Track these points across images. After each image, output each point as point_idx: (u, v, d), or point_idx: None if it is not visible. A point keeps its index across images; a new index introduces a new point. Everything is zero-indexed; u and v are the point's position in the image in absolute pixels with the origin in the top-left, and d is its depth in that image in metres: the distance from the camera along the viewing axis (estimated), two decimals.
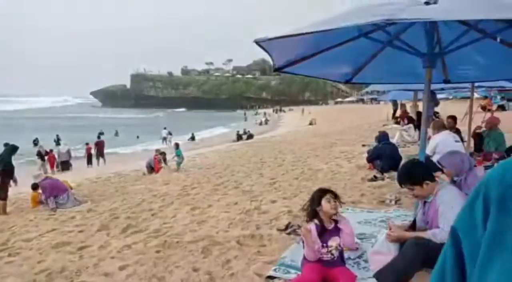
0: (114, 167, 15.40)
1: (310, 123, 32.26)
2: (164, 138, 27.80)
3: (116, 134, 34.01)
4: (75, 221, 6.18)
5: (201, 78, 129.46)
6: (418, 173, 2.65)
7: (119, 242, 4.57)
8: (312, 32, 2.96)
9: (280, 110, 70.17)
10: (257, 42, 3.13)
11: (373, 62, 4.06)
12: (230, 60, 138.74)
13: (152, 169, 12.17)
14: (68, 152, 17.26)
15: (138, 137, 33.24)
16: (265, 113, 57.33)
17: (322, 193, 2.70)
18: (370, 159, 6.76)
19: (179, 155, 12.55)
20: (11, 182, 9.13)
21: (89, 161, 18.34)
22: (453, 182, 2.97)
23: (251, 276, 3.10)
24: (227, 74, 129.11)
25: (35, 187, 8.35)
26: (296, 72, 4.11)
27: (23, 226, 6.41)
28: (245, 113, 67.65)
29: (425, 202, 2.76)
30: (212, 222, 4.79)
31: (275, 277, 3.03)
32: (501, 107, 19.51)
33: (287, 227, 4.12)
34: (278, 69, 3.90)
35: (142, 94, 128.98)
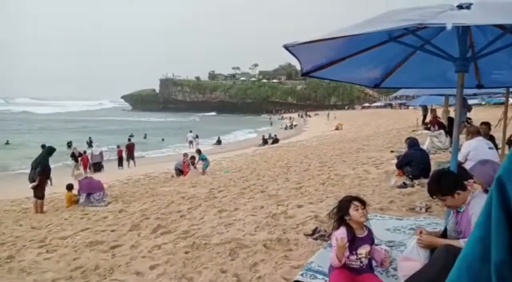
0: (143, 169, 15.84)
1: (336, 128, 31.89)
2: (191, 142, 28.26)
3: (145, 137, 34.88)
4: (108, 221, 6.42)
5: (228, 82, 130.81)
6: (448, 183, 2.59)
7: (149, 242, 4.71)
8: (341, 37, 2.98)
9: (306, 115, 69.69)
10: (286, 47, 3.18)
11: (403, 67, 4.00)
12: (256, 65, 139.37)
13: (180, 171, 12.45)
14: (101, 154, 17.93)
15: (163, 140, 34.00)
16: (290, 118, 57.17)
17: (349, 200, 2.66)
18: (400, 165, 6.63)
19: (204, 158, 12.78)
20: (48, 182, 9.58)
21: (120, 163, 18.93)
22: (486, 191, 2.88)
23: (278, 280, 3.12)
24: (253, 79, 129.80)
25: (70, 187, 8.75)
26: (324, 76, 4.12)
27: (58, 225, 6.73)
28: (270, 118, 67.67)
29: (457, 211, 2.69)
30: (239, 225, 4.85)
31: None
32: None
33: (314, 232, 4.11)
34: (306, 74, 3.91)
35: (170, 98, 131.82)
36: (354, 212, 2.59)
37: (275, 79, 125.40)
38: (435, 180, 2.71)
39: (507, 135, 6.88)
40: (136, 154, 20.11)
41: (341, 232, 2.60)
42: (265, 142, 26.31)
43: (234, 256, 3.87)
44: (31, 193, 8.56)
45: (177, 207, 6.79)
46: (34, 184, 8.08)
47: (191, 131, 30.03)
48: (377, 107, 76.52)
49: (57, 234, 5.93)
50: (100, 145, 20.16)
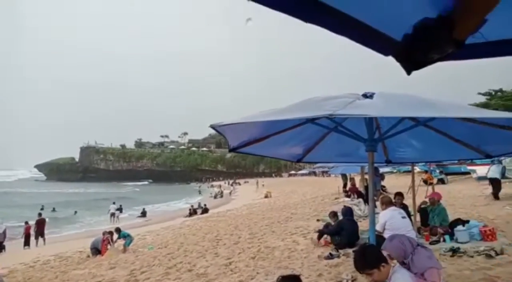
0: (55, 248, 14.04)
1: (266, 196, 32.26)
2: (113, 214, 26.14)
3: (53, 210, 31.55)
4: None
5: (155, 151, 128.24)
6: (373, 257, 2.68)
7: None
8: (264, 121, 3.20)
9: (235, 182, 70.06)
10: (213, 127, 3.31)
11: (321, 144, 4.37)
12: (185, 134, 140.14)
13: (97, 250, 11.27)
14: (4, 232, 15.52)
15: (76, 213, 31.23)
16: (220, 186, 56.88)
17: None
18: (332, 234, 6.80)
19: (125, 236, 11.87)
20: None
21: (27, 242, 16.57)
22: (403, 264, 3.06)
23: None
24: (182, 147, 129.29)
25: None
26: (250, 152, 4.28)
27: None
28: (199, 186, 66.58)
29: None
30: None
31: None
32: (441, 181, 20.95)
33: None
34: (233, 150, 4.05)
35: (91, 167, 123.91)
36: None
37: (205, 147, 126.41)
38: (361, 255, 2.79)
39: (417, 203, 7.59)
40: (46, 231, 17.92)
41: None
42: (193, 212, 25.41)
43: None
44: None
45: None
46: None
47: (114, 203, 27.97)
48: (302, 174, 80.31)
49: None
50: (3, 221, 17.65)
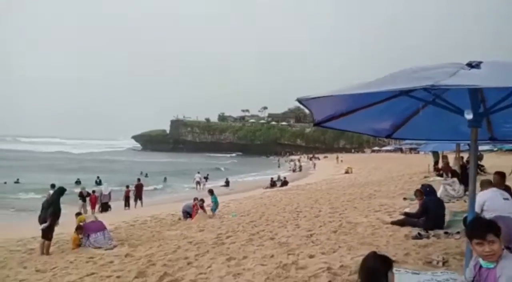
0: (150, 210, 15.73)
1: (346, 172, 31.57)
2: (198, 183, 28.16)
3: (146, 176, 34.92)
4: (113, 266, 6.28)
5: (237, 124, 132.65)
6: (496, 227, 2.33)
7: None
8: (352, 94, 3.06)
9: (314, 157, 69.51)
10: (299, 101, 3.27)
11: (415, 119, 4.06)
12: (265, 108, 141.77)
13: (188, 214, 12.31)
14: (110, 193, 17.93)
15: (165, 179, 34.01)
16: (299, 160, 57.07)
17: (388, 266, 2.34)
18: (419, 216, 6.44)
19: (214, 201, 12.67)
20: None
21: (127, 203, 18.86)
22: (508, 248, 2.73)
23: None
24: (262, 121, 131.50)
25: (77, 228, 8.69)
26: (335, 127, 4.17)
27: (63, 268, 6.60)
28: (278, 160, 67.61)
29: (480, 267, 2.53)
30: (249, 275, 4.69)
31: None
32: None
33: None
34: (318, 124, 3.98)
35: (180, 139, 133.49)
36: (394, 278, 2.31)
37: (284, 121, 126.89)
38: (483, 219, 2.52)
39: None
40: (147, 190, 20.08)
41: None
42: (273, 184, 26.09)
43: None
44: (38, 232, 8.50)
45: (184, 253, 6.65)
46: (45, 225, 8.02)
47: (198, 172, 30.06)
48: (386, 151, 76.21)
49: (62, 278, 5.81)
50: (108, 185, 20.27)
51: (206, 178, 30.14)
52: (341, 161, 50.78)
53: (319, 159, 68.86)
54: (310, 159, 63.84)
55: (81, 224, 8.74)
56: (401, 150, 66.57)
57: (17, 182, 29.68)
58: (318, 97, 3.05)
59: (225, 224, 9.96)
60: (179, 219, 12.49)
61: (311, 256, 5.25)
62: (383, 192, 12.73)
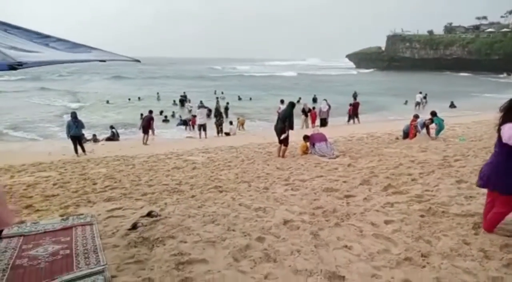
0: (366, 128, 16.05)
1: None
2: (418, 103, 26.22)
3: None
4: (338, 172, 6.99)
5: (468, 36, 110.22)
6: None
7: (381, 198, 4.89)
8: None
9: None
10: None
11: None
12: (511, 12, 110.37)
13: (406, 134, 11.92)
14: (328, 111, 19.24)
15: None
16: None
17: None
18: None
19: (438, 123, 11.64)
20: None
21: (350, 119, 20.01)
22: None
23: None
24: (505, 30, 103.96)
25: (305, 137, 9.96)
26: None
27: (297, 168, 7.83)
28: None
29: None
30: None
31: None
32: None
33: None
34: None
35: (396, 56, 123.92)
36: None
37: None
38: None
39: None
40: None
41: None
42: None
43: (478, 230, 3.54)
44: (274, 140, 10.24)
45: (406, 170, 6.64)
46: (285, 135, 9.56)
47: (420, 93, 27.69)
48: None
49: (297, 176, 6.94)
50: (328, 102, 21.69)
51: (425, 97, 27.62)
52: None
53: None
54: None
55: (308, 134, 9.95)
56: None
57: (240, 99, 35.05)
58: None
59: (451, 147, 9.14)
60: (397, 138, 12.26)
61: None
62: None
